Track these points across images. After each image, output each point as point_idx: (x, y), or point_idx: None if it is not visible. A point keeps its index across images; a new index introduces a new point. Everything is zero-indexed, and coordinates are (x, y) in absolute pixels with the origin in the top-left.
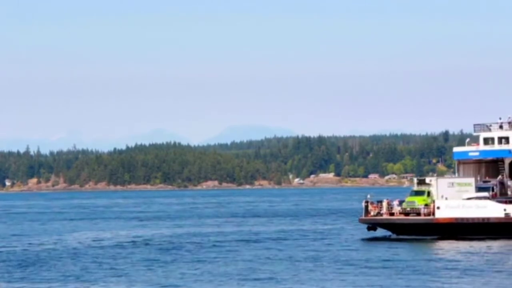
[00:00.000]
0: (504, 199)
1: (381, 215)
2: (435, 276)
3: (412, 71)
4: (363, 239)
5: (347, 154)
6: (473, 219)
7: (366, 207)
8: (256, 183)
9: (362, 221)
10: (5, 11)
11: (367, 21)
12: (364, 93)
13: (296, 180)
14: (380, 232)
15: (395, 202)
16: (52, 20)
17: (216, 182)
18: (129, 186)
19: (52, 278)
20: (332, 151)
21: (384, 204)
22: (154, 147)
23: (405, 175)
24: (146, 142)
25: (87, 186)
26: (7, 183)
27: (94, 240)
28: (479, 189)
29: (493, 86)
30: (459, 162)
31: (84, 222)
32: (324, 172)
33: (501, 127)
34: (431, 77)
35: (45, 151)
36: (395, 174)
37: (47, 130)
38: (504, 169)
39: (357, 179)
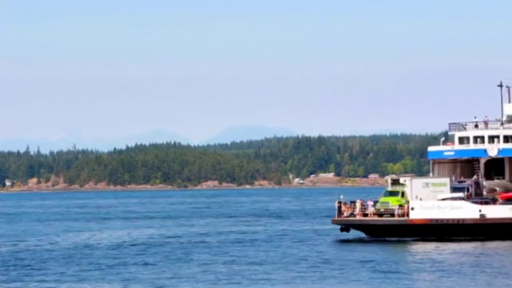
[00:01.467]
0: (479, 200)
1: (354, 216)
2: (407, 279)
3: (412, 71)
4: (333, 241)
5: (347, 154)
6: (448, 220)
7: (339, 207)
8: (256, 183)
9: (335, 222)
10: (5, 11)
11: (367, 21)
12: (364, 93)
13: (296, 180)
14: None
15: (369, 203)
16: (52, 20)
17: (216, 182)
18: (129, 186)
19: (47, 278)
20: (332, 151)
21: (358, 204)
22: (154, 147)
23: (405, 175)
24: (146, 142)
25: (87, 186)
26: (7, 183)
27: (91, 240)
28: (454, 189)
29: (493, 86)
30: (434, 162)
31: (79, 222)
32: (324, 172)
33: (476, 126)
34: (431, 77)
35: (45, 151)
36: (395, 174)
37: (47, 130)
38: (479, 169)
39: (357, 179)
